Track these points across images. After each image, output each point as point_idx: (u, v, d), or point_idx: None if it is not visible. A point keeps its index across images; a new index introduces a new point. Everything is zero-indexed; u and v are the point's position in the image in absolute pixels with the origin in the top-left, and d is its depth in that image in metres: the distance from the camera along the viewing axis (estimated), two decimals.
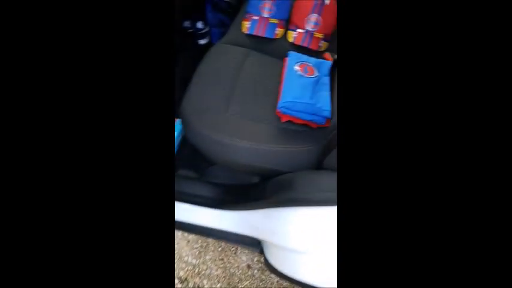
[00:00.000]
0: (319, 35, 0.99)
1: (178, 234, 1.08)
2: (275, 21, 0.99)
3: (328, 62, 0.93)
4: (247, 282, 1.02)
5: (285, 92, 0.80)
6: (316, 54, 0.99)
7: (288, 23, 1.03)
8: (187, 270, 1.03)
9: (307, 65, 0.88)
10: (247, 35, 1.00)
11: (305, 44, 0.98)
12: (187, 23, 1.21)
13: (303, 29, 0.99)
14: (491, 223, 0.21)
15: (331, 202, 0.54)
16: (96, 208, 0.24)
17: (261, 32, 0.98)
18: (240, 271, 1.04)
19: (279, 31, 1.00)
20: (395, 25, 0.23)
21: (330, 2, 0.99)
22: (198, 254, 1.06)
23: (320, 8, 0.97)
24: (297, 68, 0.86)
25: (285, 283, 1.02)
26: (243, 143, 0.75)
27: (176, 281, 1.01)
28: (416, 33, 0.23)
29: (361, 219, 0.23)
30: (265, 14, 0.99)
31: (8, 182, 0.22)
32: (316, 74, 0.86)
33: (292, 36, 1.00)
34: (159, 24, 0.24)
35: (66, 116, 0.23)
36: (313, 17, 0.97)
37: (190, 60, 0.98)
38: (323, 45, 1.00)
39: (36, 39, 0.23)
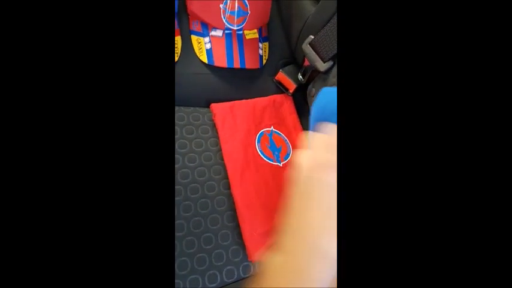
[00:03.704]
0: (253, 34, 0.52)
1: None
2: None
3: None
4: None
5: None
6: (256, 75, 0.53)
7: (182, 21, 0.52)
8: None
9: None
10: None
11: (236, 65, 0.49)
12: None
13: (221, 28, 0.49)
14: (491, 223, 0.22)
15: None
16: (93, 208, 0.24)
17: None
18: None
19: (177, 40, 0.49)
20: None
21: None
22: None
23: None
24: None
25: None
26: None
27: None
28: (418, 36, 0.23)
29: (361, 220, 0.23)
30: None
31: (3, 181, 0.23)
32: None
33: (203, 47, 0.50)
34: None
35: (66, 109, 0.23)
36: (232, 0, 0.48)
37: None
38: (263, 51, 0.54)
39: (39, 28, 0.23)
